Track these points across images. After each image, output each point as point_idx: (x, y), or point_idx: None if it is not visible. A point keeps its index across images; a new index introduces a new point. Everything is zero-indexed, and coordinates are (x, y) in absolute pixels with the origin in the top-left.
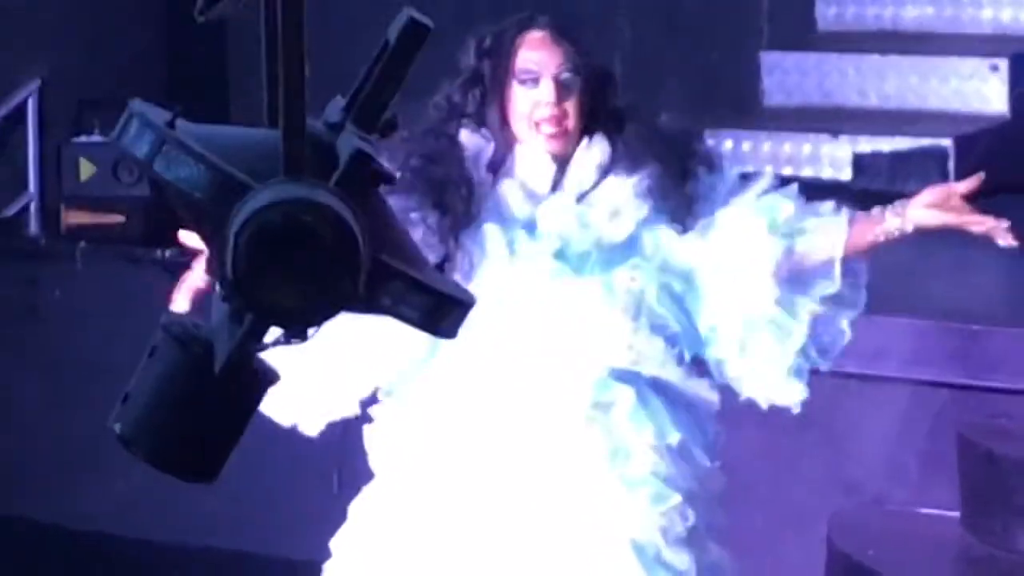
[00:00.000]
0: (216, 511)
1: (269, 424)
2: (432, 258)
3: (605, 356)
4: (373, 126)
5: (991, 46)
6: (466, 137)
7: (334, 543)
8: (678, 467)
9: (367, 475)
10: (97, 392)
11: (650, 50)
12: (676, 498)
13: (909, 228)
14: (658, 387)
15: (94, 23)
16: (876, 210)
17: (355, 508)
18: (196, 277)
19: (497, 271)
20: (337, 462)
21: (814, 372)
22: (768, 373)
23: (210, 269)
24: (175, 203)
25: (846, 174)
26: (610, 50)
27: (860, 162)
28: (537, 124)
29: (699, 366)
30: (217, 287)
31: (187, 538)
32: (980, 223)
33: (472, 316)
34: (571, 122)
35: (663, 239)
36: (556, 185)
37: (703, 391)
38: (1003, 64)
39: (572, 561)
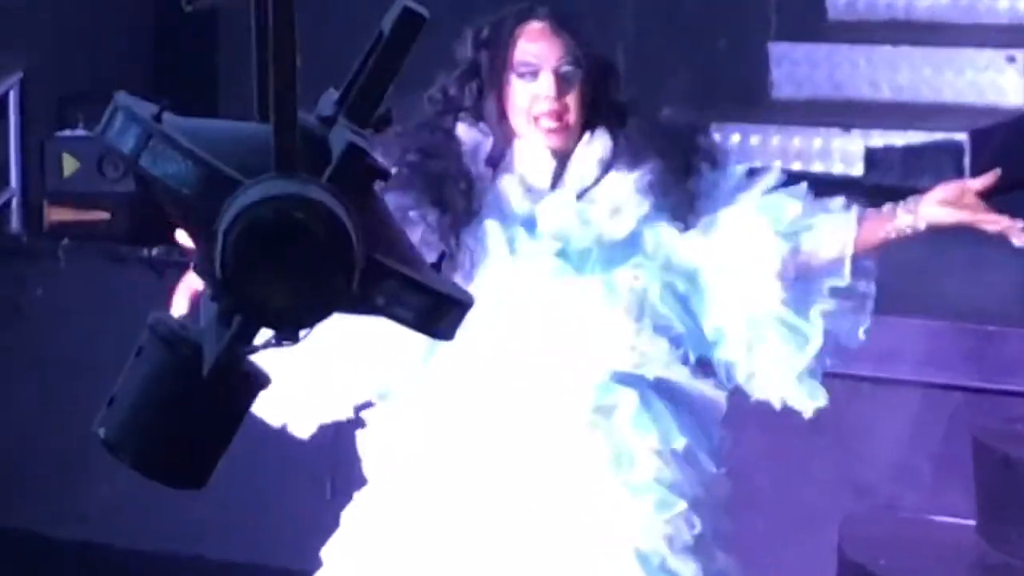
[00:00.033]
0: (205, 518)
1: (260, 428)
2: (432, 257)
3: (607, 358)
4: (367, 120)
5: (1008, 36)
6: (463, 131)
7: (325, 552)
8: (683, 473)
9: (362, 481)
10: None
11: (654, 41)
12: (681, 505)
13: (922, 225)
14: (662, 390)
15: (78, 13)
16: (887, 206)
17: (347, 515)
18: (196, 278)
19: (497, 270)
20: (330, 468)
21: (824, 374)
22: (778, 375)
23: (198, 268)
24: (162, 200)
25: (858, 169)
26: (612, 41)
27: (872, 157)
28: (536, 118)
29: (704, 368)
30: (206, 287)
31: (175, 546)
32: (995, 222)
33: (471, 317)
34: (572, 116)
35: (665, 237)
36: (556, 181)
37: (708, 394)
38: (1020, 55)
39: (574, 570)
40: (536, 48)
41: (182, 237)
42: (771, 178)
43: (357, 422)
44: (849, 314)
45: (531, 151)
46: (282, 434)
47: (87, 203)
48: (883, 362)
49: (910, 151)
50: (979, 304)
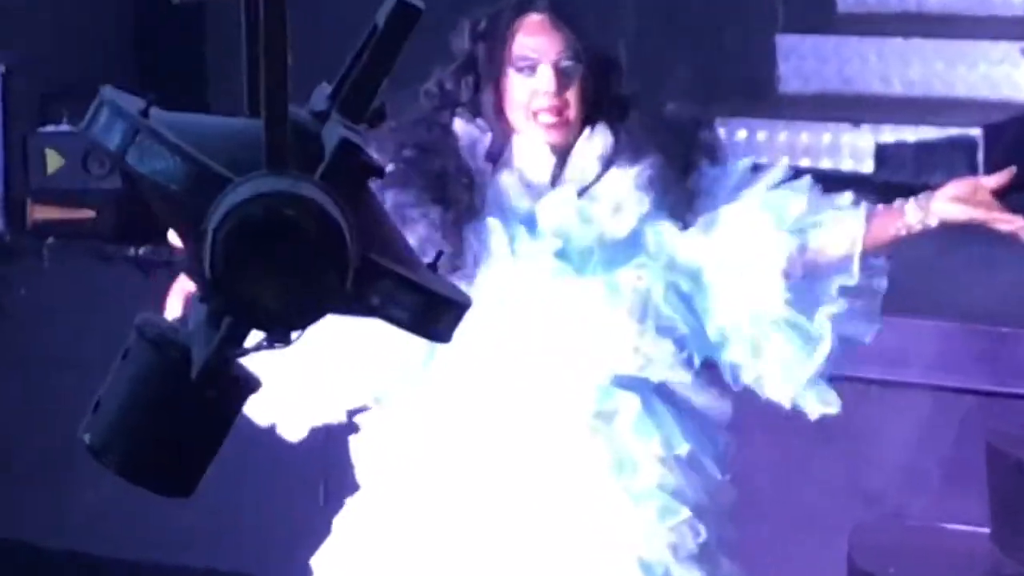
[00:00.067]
0: (193, 526)
1: (250, 432)
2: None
3: (609, 361)
4: (361, 115)
5: (1023, 29)
6: (460, 127)
7: (315, 561)
8: (687, 479)
9: (355, 487)
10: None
11: (657, 34)
12: (685, 512)
13: (933, 222)
14: (665, 394)
15: (61, 5)
16: (898, 202)
17: (339, 522)
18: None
19: (498, 270)
20: (323, 473)
21: (832, 378)
22: (787, 378)
23: (187, 268)
24: (149, 197)
25: (868, 166)
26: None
27: (883, 153)
28: (535, 113)
29: (710, 371)
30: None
31: (161, 555)
32: (1008, 221)
33: (470, 318)
34: (572, 112)
35: (667, 235)
36: (557, 178)
37: (713, 398)
38: None
39: None
40: (535, 42)
41: (172, 236)
42: (776, 174)
43: (350, 426)
44: (859, 315)
45: (530, 147)
46: (273, 438)
47: (72, 201)
48: (892, 365)
49: (922, 147)
50: (993, 304)
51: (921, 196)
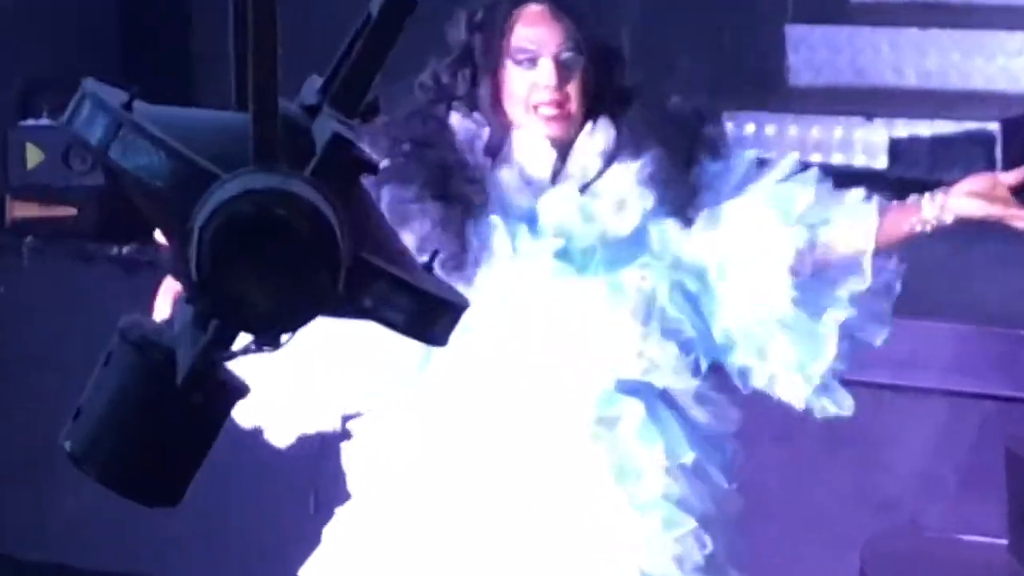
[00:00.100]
0: (180, 536)
1: (239, 439)
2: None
3: (612, 365)
4: (353, 109)
5: None
6: (456, 121)
7: (304, 571)
8: (693, 488)
9: (347, 496)
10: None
11: (662, 24)
12: (690, 523)
13: (948, 218)
14: (670, 400)
15: None
16: (912, 198)
17: (329, 532)
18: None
19: (499, 270)
20: (314, 481)
21: (843, 382)
22: (796, 381)
23: (172, 268)
24: (133, 194)
25: (881, 161)
26: (616, 24)
27: (897, 148)
28: (535, 107)
29: (717, 376)
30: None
31: (147, 567)
32: None
33: (469, 320)
34: (573, 105)
35: (671, 233)
36: (557, 173)
37: (720, 404)
38: None
39: None
40: (534, 33)
41: (157, 234)
42: (783, 167)
43: (342, 433)
44: (870, 314)
45: (530, 141)
46: (262, 445)
47: (52, 197)
48: (906, 369)
49: (937, 142)
50: (1010, 306)
51: (936, 191)
